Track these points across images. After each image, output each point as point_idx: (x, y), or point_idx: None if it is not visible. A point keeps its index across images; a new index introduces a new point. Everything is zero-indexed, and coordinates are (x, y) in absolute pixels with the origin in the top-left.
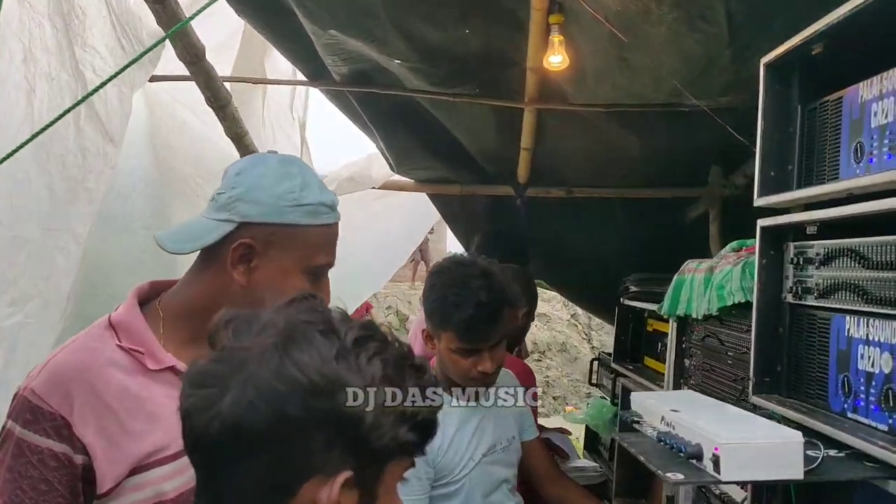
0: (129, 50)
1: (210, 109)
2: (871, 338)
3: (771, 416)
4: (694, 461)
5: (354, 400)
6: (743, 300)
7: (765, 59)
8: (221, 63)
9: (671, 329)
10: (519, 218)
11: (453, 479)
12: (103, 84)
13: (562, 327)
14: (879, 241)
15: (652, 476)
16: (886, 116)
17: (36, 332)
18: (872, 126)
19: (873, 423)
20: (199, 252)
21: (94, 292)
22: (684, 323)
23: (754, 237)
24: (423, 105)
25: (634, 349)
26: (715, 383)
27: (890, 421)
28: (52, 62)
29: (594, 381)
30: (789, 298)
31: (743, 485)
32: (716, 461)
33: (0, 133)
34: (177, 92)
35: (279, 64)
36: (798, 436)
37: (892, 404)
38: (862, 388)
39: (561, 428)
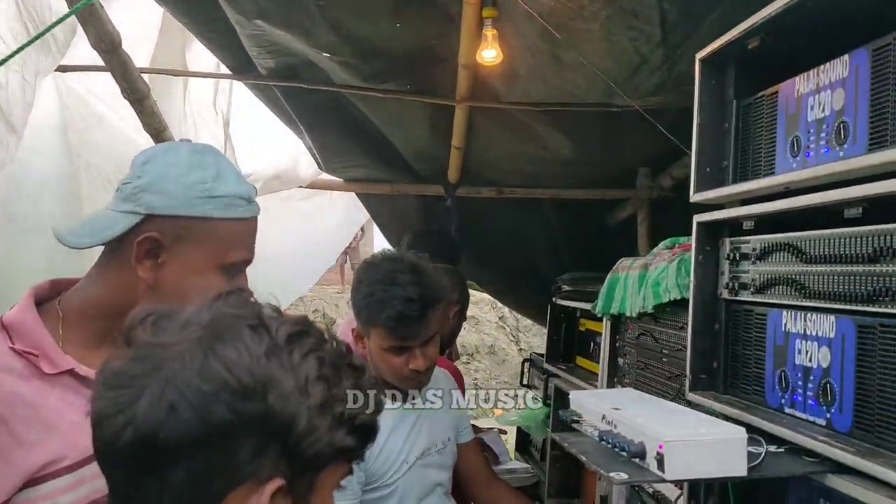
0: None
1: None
2: (808, 332)
3: (709, 413)
4: (637, 460)
5: (287, 401)
6: (679, 297)
7: (700, 55)
8: (139, 54)
9: (605, 328)
10: (449, 218)
11: (385, 482)
12: None
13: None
14: (816, 235)
15: (584, 475)
16: (823, 110)
17: None
18: (809, 120)
19: (811, 418)
20: (103, 248)
21: (1, 299)
22: (618, 321)
23: (684, 235)
24: (353, 101)
25: (567, 349)
26: (650, 381)
27: (828, 415)
28: None
29: (525, 382)
30: (725, 294)
31: (680, 484)
32: (660, 460)
33: None
34: (93, 84)
35: (201, 56)
36: (741, 432)
37: (830, 399)
38: (800, 382)
39: (496, 428)
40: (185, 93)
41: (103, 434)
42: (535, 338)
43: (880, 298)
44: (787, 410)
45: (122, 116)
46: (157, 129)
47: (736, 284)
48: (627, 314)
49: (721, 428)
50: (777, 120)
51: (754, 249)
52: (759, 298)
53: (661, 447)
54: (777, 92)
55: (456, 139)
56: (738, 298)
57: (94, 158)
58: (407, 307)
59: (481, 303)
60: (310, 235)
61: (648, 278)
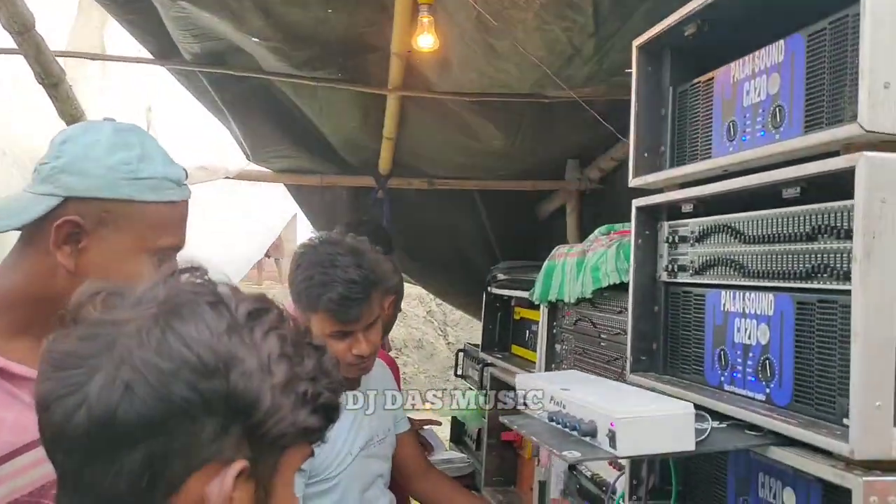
0: None
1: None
2: (747, 311)
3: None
4: (588, 438)
5: (250, 380)
6: (618, 281)
7: (637, 42)
8: (54, 36)
9: (542, 315)
10: (380, 210)
11: (330, 474)
12: None
13: (417, 324)
14: (755, 216)
15: (520, 463)
16: (759, 95)
17: None
18: (745, 105)
19: (750, 394)
20: (20, 233)
21: None
22: (555, 308)
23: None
24: (283, 90)
25: (502, 338)
26: (588, 366)
27: (767, 390)
28: None
29: (459, 372)
30: (664, 277)
31: (619, 466)
32: (612, 437)
33: None
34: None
35: (121, 39)
36: (689, 407)
37: (769, 374)
38: (739, 360)
39: (430, 419)
40: (104, 78)
41: (52, 417)
42: (463, 331)
43: (818, 275)
44: (727, 388)
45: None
46: (72, 115)
47: (675, 267)
48: (566, 300)
49: (669, 404)
50: (713, 105)
51: (693, 232)
52: (697, 280)
53: (612, 425)
54: (713, 78)
55: (387, 129)
56: (676, 281)
57: (10, 145)
58: (349, 289)
59: (409, 297)
60: (236, 228)
61: (587, 264)
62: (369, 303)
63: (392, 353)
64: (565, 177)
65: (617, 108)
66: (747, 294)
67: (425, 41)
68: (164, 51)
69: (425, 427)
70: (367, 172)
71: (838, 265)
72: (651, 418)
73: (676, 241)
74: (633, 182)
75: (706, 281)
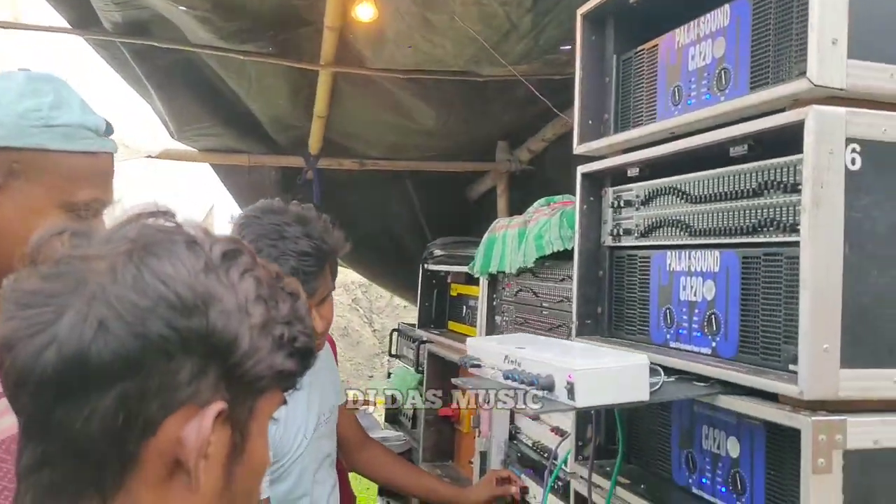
0: None
1: None
2: (693, 269)
3: None
4: (545, 392)
5: (229, 319)
6: (562, 248)
7: (581, 10)
8: None
9: (482, 288)
10: (310, 191)
11: (289, 459)
12: None
13: (343, 312)
14: (701, 176)
15: (458, 437)
16: (704, 59)
17: None
18: (690, 69)
19: (696, 349)
20: None
21: None
22: (495, 281)
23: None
24: (210, 64)
25: (439, 315)
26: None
27: (713, 344)
28: None
29: (394, 352)
30: (609, 242)
31: (560, 432)
32: (570, 388)
33: None
34: None
35: (36, 6)
36: (644, 359)
37: (715, 328)
38: (684, 317)
39: (365, 400)
40: (17, 48)
41: (17, 358)
42: (389, 319)
43: (764, 229)
44: (673, 345)
45: None
46: None
47: (619, 231)
48: (507, 271)
49: (625, 356)
50: (658, 71)
51: (637, 196)
52: (643, 242)
53: (570, 377)
54: (657, 45)
55: (318, 107)
56: (621, 245)
57: None
58: (301, 263)
59: None
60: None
61: (529, 234)
62: (324, 276)
63: None
64: (495, 158)
65: (551, 86)
66: (693, 253)
67: (364, 11)
68: (83, 20)
69: (359, 409)
70: (297, 152)
71: (784, 218)
72: (608, 369)
73: (621, 205)
74: (578, 149)
75: (652, 243)
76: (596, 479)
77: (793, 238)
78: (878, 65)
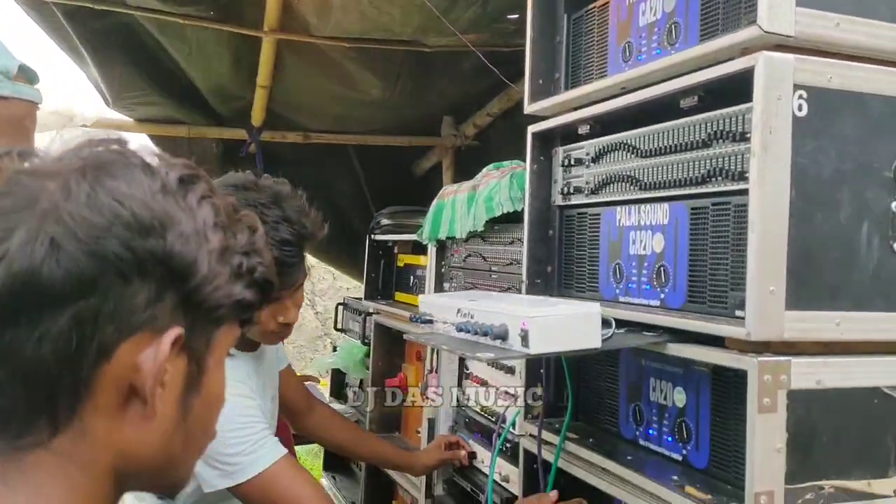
0: None
1: None
2: (642, 223)
3: None
4: (499, 342)
5: (187, 242)
6: (511, 210)
7: None
8: None
9: (430, 255)
10: (252, 165)
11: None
12: None
13: None
14: (651, 130)
15: (404, 410)
16: (655, 14)
17: None
18: (641, 25)
19: (646, 301)
20: None
21: None
22: (443, 248)
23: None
24: (148, 28)
25: (386, 286)
26: None
27: (662, 296)
28: None
29: (340, 326)
30: (559, 201)
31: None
32: (524, 336)
33: None
34: None
35: None
36: (596, 307)
37: (663, 280)
38: (634, 271)
39: (309, 376)
40: None
41: None
42: (332, 301)
43: (713, 179)
44: (623, 299)
45: None
46: None
47: (569, 189)
48: (456, 237)
49: (576, 305)
50: (608, 29)
51: (588, 154)
52: (593, 200)
53: (524, 324)
54: (607, 3)
55: (262, 77)
56: (571, 203)
57: None
58: (284, 253)
59: None
60: None
61: (478, 197)
62: (304, 262)
63: None
64: (441, 133)
65: (499, 59)
66: (643, 207)
67: None
68: None
69: (305, 383)
70: (239, 124)
71: (732, 167)
72: (562, 316)
73: (571, 163)
74: (529, 108)
75: (601, 200)
76: (546, 436)
77: (741, 186)
78: (825, 13)
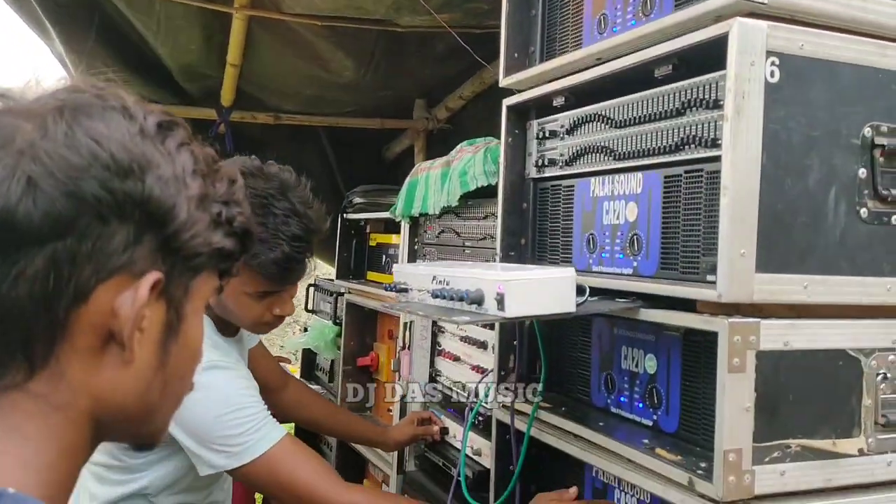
0: None
1: None
2: (616, 193)
3: None
4: (475, 306)
5: (166, 186)
6: (486, 184)
7: None
8: None
9: (403, 231)
10: (222, 146)
11: None
12: None
13: None
14: (625, 101)
15: (377, 389)
16: None
17: None
18: None
19: (618, 270)
20: None
21: None
22: (416, 225)
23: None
24: (115, 2)
25: (358, 266)
26: None
27: (634, 264)
28: None
29: (311, 308)
30: (533, 174)
31: (481, 370)
32: (500, 300)
33: None
34: None
35: None
36: (571, 271)
37: (637, 248)
38: (607, 241)
39: (280, 357)
40: None
41: None
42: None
43: (686, 146)
44: (596, 268)
45: None
46: None
47: (544, 161)
48: (430, 212)
49: (552, 269)
50: (584, 2)
51: (562, 126)
52: (567, 171)
53: (500, 287)
54: None
55: (232, 55)
56: (545, 176)
57: None
58: (294, 248)
59: None
60: None
61: (452, 172)
62: (310, 256)
63: None
64: (413, 116)
65: (471, 40)
66: (616, 177)
67: None
68: None
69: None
70: (208, 104)
71: (706, 134)
72: (537, 280)
73: (546, 136)
74: (504, 82)
75: (576, 171)
76: (518, 406)
77: (714, 153)
78: None
